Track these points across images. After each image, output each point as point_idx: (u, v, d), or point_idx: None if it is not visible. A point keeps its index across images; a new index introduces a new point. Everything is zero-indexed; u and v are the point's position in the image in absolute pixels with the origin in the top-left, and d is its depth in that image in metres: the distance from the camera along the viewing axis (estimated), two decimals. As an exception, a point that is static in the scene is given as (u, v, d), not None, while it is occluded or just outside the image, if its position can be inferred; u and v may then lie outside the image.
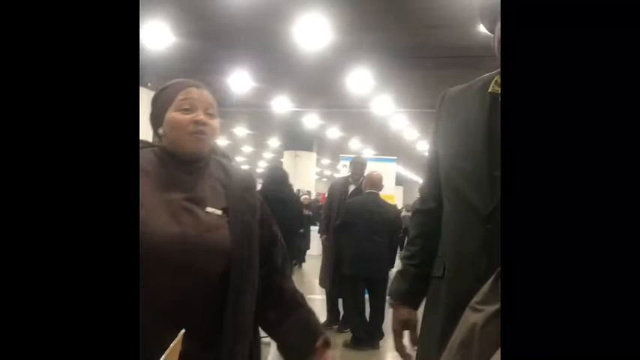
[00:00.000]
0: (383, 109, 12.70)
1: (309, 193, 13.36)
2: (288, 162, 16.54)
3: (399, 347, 1.52)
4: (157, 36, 8.77)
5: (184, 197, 1.19)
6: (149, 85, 10.68)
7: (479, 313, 0.91)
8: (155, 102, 1.28)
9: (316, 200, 13.77)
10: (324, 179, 33.07)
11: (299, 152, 16.79)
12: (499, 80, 1.32)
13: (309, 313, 1.36)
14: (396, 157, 9.00)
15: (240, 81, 10.18)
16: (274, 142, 19.97)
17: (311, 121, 15.29)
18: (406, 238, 1.65)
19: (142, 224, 1.13)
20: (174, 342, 0.78)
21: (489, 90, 1.33)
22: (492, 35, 1.34)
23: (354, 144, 19.07)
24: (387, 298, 3.91)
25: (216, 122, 1.24)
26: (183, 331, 0.82)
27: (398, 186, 16.05)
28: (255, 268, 1.23)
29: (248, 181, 1.31)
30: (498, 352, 0.80)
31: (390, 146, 16.33)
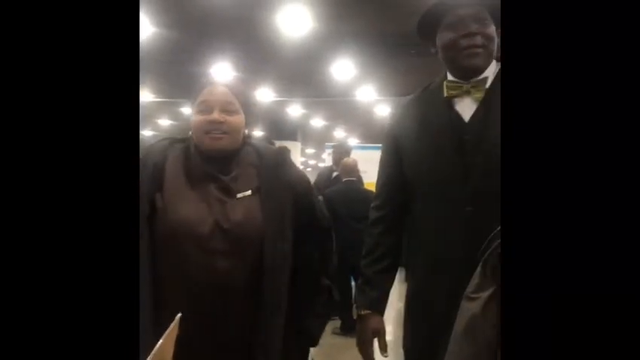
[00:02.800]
0: (366, 97, 12.69)
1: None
2: (272, 152, 16.47)
3: (370, 357, 1.54)
4: (136, 27, 8.63)
5: (216, 188, 1.23)
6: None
7: (475, 301, 0.95)
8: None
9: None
10: (309, 169, 33.08)
11: (283, 142, 16.72)
12: (449, 84, 1.48)
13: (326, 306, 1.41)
14: (382, 145, 8.42)
15: (221, 71, 10.09)
16: (258, 132, 19.90)
17: (294, 110, 15.23)
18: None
19: (176, 214, 1.18)
20: (170, 326, 0.77)
21: (445, 95, 1.47)
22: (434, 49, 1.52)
23: (339, 133, 19.05)
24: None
25: (236, 118, 1.29)
26: (179, 315, 0.81)
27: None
28: (288, 242, 1.25)
29: (279, 158, 1.34)
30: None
31: (375, 134, 16.33)
